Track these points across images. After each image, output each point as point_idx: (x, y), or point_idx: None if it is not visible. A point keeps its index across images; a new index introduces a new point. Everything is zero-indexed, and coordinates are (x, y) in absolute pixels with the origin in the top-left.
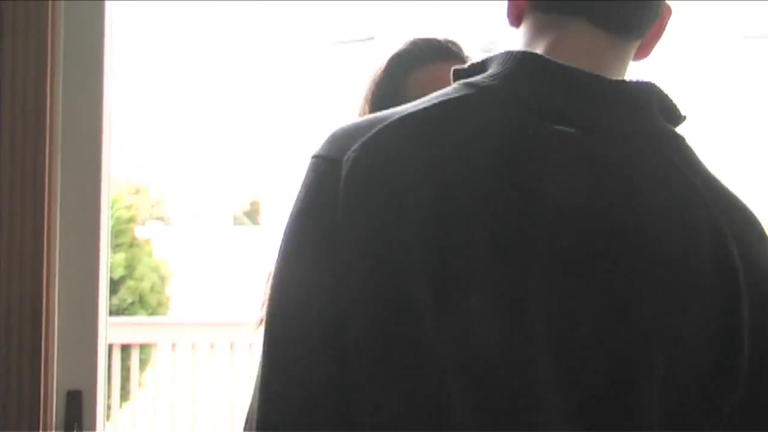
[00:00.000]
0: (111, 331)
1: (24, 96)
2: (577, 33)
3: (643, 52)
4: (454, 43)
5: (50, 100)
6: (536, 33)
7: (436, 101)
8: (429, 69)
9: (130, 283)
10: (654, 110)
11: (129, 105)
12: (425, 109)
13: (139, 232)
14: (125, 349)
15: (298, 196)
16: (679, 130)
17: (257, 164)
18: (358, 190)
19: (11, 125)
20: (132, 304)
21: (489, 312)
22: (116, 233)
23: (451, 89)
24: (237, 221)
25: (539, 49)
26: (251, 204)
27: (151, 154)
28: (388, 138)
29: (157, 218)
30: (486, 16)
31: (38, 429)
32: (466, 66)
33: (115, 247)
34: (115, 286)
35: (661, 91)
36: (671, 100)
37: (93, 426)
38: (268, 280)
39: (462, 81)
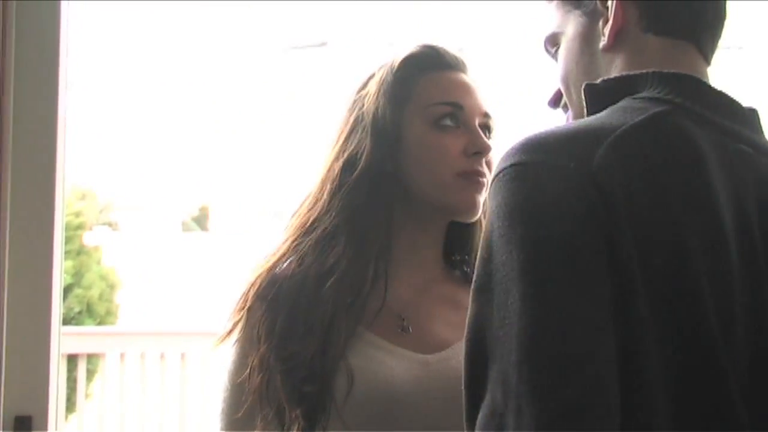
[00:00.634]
0: None
1: None
2: (691, 58)
3: None
4: (461, 56)
5: (1, 103)
6: (651, 54)
7: (645, 115)
8: (441, 75)
9: (78, 291)
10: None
11: (70, 106)
12: (644, 121)
13: (88, 238)
14: (72, 359)
15: (510, 201)
16: None
17: (206, 169)
18: (625, 194)
19: None
20: (79, 313)
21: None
22: (64, 240)
23: (636, 103)
24: (185, 227)
25: (679, 69)
26: (200, 209)
27: (95, 158)
28: (631, 145)
29: (105, 224)
30: (447, 22)
31: None
32: (599, 82)
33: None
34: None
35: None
36: None
37: None
38: (250, 287)
39: (638, 96)
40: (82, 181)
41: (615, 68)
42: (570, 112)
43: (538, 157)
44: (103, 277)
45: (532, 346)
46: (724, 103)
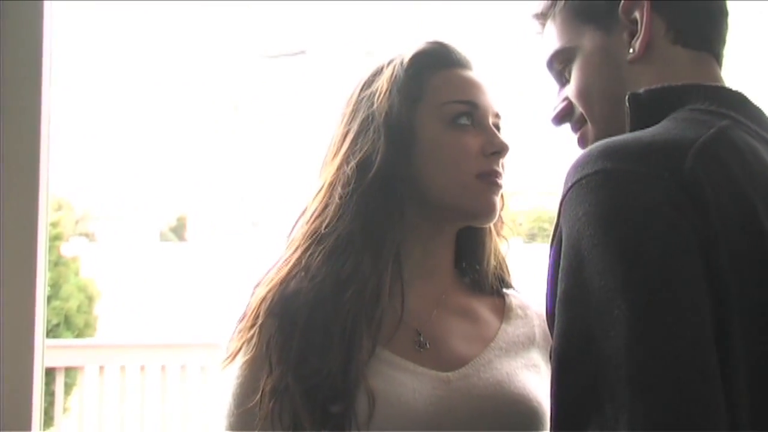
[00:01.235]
0: None
1: None
2: (716, 70)
3: None
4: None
5: None
6: (681, 65)
7: (714, 128)
8: (453, 73)
9: (56, 303)
10: None
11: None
12: (716, 135)
13: (65, 249)
14: (49, 373)
15: (601, 209)
16: None
17: (183, 178)
18: (716, 204)
19: None
20: (57, 325)
21: None
22: None
23: (696, 115)
24: (163, 237)
25: (707, 81)
26: (178, 219)
27: (71, 167)
28: (712, 157)
29: (82, 234)
30: (427, 30)
31: None
32: (643, 92)
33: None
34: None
35: None
36: None
37: None
38: (256, 286)
39: (694, 108)
40: (58, 190)
41: (645, 79)
42: (588, 127)
43: (626, 165)
44: (81, 289)
45: (646, 360)
46: (759, 115)
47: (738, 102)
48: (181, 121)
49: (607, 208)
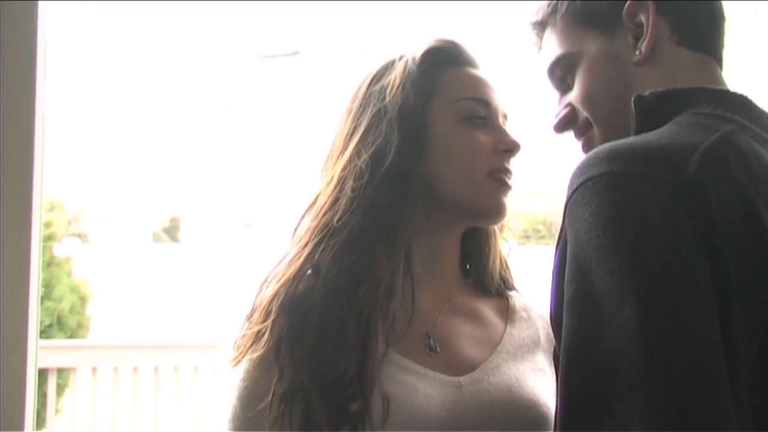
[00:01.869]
0: None
1: None
2: (718, 73)
3: None
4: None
5: None
6: (686, 67)
7: (718, 133)
8: (465, 71)
9: (48, 304)
10: None
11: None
12: (720, 139)
13: (57, 250)
14: (42, 373)
15: (608, 210)
16: None
17: (176, 179)
18: (720, 207)
19: None
20: (50, 326)
21: None
22: None
23: (700, 119)
24: (156, 238)
25: (711, 84)
26: (171, 220)
27: (63, 167)
28: (716, 161)
29: (75, 235)
30: (421, 31)
31: None
32: (648, 95)
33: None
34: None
35: None
36: None
37: None
38: (264, 282)
39: (699, 112)
40: (51, 191)
41: (651, 81)
42: (594, 132)
43: (631, 167)
44: (73, 289)
45: (659, 359)
46: (764, 118)
47: (742, 105)
48: (174, 122)
49: (614, 209)
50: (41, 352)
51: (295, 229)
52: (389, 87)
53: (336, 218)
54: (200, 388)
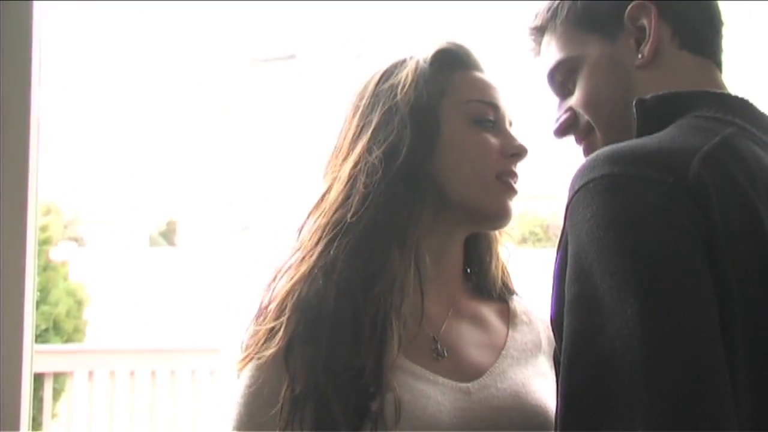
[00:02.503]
0: None
1: None
2: (719, 76)
3: None
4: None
5: None
6: (688, 71)
7: (718, 136)
8: (474, 74)
9: (44, 308)
10: None
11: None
12: (721, 142)
13: (54, 254)
14: (38, 378)
15: (609, 211)
16: None
17: (173, 182)
18: (720, 209)
19: None
20: (46, 330)
21: None
22: None
23: (701, 122)
24: (152, 242)
25: (712, 87)
26: (167, 224)
27: (59, 171)
28: (717, 164)
29: (71, 239)
30: (416, 34)
31: None
32: (649, 98)
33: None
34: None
35: None
36: None
37: None
38: (272, 282)
39: (700, 116)
40: (47, 195)
41: (653, 85)
42: (596, 136)
43: (632, 169)
44: (70, 293)
45: (662, 358)
46: (764, 121)
47: (743, 109)
48: (171, 125)
49: (616, 210)
50: (37, 357)
51: (301, 228)
52: (400, 85)
53: (349, 215)
54: (197, 392)
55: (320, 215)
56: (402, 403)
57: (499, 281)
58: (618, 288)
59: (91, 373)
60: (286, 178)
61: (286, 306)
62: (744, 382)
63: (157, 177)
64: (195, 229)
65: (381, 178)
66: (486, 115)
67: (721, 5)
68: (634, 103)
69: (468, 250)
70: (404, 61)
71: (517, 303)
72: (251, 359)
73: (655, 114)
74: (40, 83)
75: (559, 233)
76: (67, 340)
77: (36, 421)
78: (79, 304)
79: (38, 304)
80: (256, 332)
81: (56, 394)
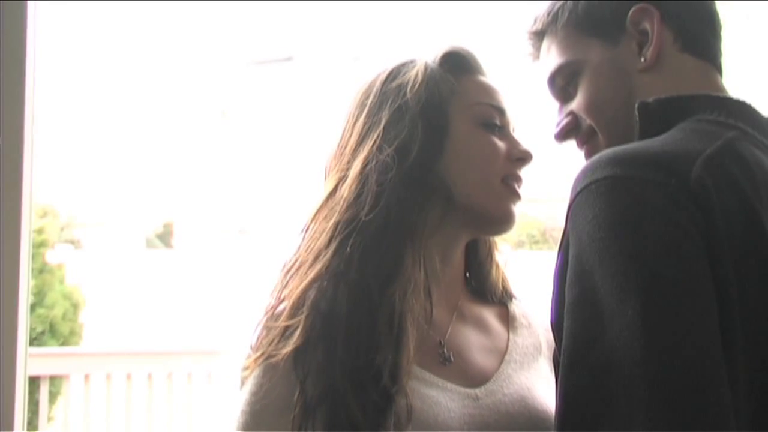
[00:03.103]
0: None
1: None
2: (719, 80)
3: None
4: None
5: None
6: (690, 74)
7: (721, 139)
8: (480, 78)
9: (41, 311)
10: None
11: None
12: (723, 145)
13: (50, 256)
14: (33, 381)
15: (611, 213)
16: None
17: (170, 184)
18: (722, 212)
19: None
20: (42, 333)
21: None
22: None
23: (703, 126)
24: (149, 244)
25: (713, 90)
26: (164, 226)
27: (56, 173)
28: (718, 167)
29: (68, 241)
30: (413, 37)
31: None
32: (652, 101)
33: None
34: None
35: None
36: None
37: None
38: (281, 281)
39: (702, 119)
40: (43, 197)
41: (656, 88)
42: (599, 139)
43: (634, 171)
44: (66, 296)
45: (662, 359)
46: (765, 125)
47: (744, 112)
48: (168, 128)
49: (618, 211)
50: (33, 360)
51: (306, 227)
52: (409, 84)
53: (364, 212)
54: (194, 395)
55: (330, 214)
56: (413, 409)
57: (500, 285)
58: (619, 289)
59: (87, 376)
60: (283, 180)
61: (302, 305)
62: (743, 384)
63: (153, 179)
64: (192, 232)
65: (394, 176)
66: (493, 118)
67: (718, 7)
68: (636, 106)
69: (468, 255)
70: (409, 62)
71: (516, 307)
72: (264, 358)
73: (658, 117)
74: (34, 84)
75: (556, 236)
76: (64, 343)
77: (32, 424)
78: (76, 306)
79: (34, 306)
80: (269, 331)
81: (52, 397)
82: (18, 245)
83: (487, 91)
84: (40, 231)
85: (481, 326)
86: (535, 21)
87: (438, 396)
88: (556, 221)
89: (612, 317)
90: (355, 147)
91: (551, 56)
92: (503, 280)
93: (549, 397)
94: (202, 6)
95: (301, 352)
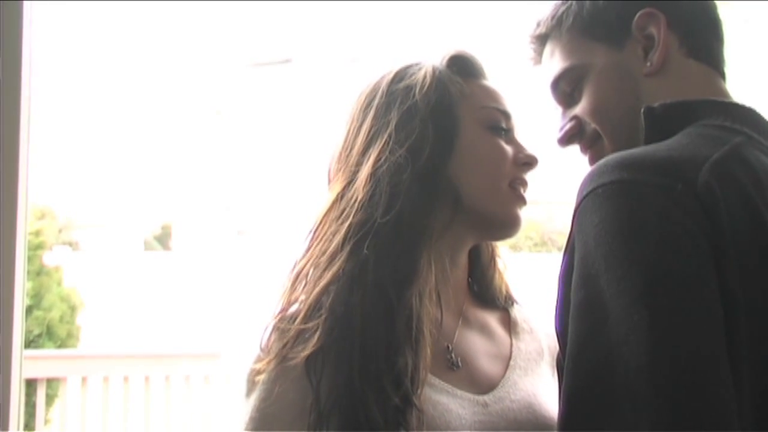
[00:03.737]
0: None
1: None
2: (723, 84)
3: None
4: None
5: None
6: (695, 79)
7: (728, 145)
8: (486, 83)
9: (38, 313)
10: None
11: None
12: (730, 151)
13: (47, 258)
14: (30, 384)
15: (618, 217)
16: None
17: (168, 187)
18: (728, 216)
19: None
20: (39, 335)
21: None
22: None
23: (709, 131)
24: (147, 245)
25: (719, 96)
26: (162, 228)
27: (54, 175)
28: (725, 172)
29: (66, 243)
30: (412, 39)
31: None
32: (658, 106)
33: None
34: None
35: None
36: None
37: None
38: (293, 284)
39: (708, 124)
40: (41, 199)
41: (661, 93)
42: (604, 144)
43: (641, 175)
44: (63, 299)
45: (668, 364)
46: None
47: (750, 118)
48: (166, 129)
49: (624, 215)
50: (30, 362)
51: (315, 229)
52: (418, 85)
53: (379, 214)
54: (191, 397)
55: (341, 216)
56: (425, 416)
57: (503, 290)
58: (625, 294)
59: (84, 379)
60: (281, 182)
61: (319, 308)
62: (748, 388)
63: (152, 181)
64: (190, 233)
65: (408, 177)
66: (500, 122)
67: (720, 13)
68: (642, 111)
69: (471, 260)
70: (414, 64)
71: (518, 312)
72: (279, 360)
73: (663, 122)
74: (30, 85)
75: (555, 239)
76: (61, 346)
77: (29, 427)
78: (73, 309)
79: (32, 309)
80: (282, 333)
81: (49, 399)
82: (14, 247)
83: (493, 95)
84: (37, 233)
85: (486, 331)
86: (538, 24)
87: (449, 403)
88: (555, 224)
89: (617, 321)
90: (364, 148)
91: (555, 60)
92: (505, 284)
93: (553, 403)
94: (201, 8)
95: (314, 356)
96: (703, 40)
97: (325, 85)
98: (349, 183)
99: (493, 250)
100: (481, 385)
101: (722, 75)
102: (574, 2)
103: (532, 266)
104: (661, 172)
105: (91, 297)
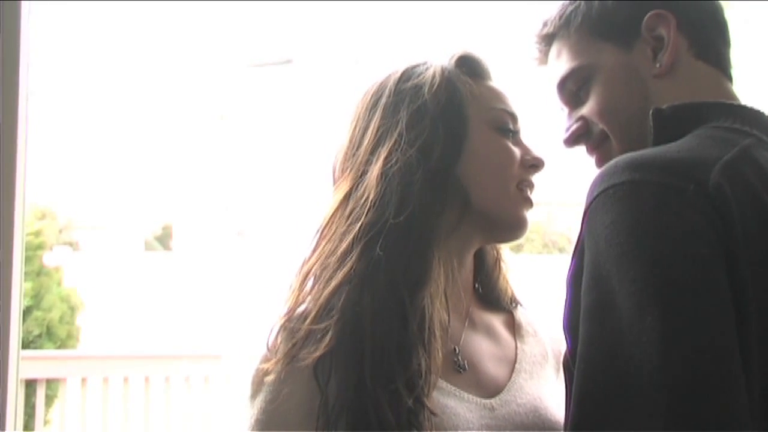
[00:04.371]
0: None
1: None
2: (731, 87)
3: None
4: None
5: None
6: (704, 81)
7: (737, 146)
8: (493, 84)
9: (38, 314)
10: None
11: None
12: (739, 152)
13: (47, 259)
14: (30, 384)
15: (630, 218)
16: None
17: (169, 187)
18: (740, 217)
19: None
20: (39, 336)
21: None
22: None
23: (719, 133)
24: (147, 246)
25: (727, 98)
26: (163, 228)
27: (55, 175)
28: (736, 174)
29: (66, 244)
30: (413, 40)
31: None
32: (666, 108)
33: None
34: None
35: None
36: None
37: None
38: (301, 284)
39: (718, 126)
40: (41, 199)
41: (670, 94)
42: (611, 145)
43: (652, 176)
44: (63, 299)
45: (680, 365)
46: None
47: (759, 120)
48: (166, 130)
49: (636, 216)
50: (30, 363)
51: (322, 228)
52: (427, 85)
53: (391, 214)
54: (191, 398)
55: (350, 215)
56: (433, 420)
57: (508, 293)
58: (638, 295)
59: (84, 380)
60: (282, 182)
61: (330, 308)
62: (758, 387)
63: (152, 181)
64: (191, 234)
65: (419, 177)
66: (508, 124)
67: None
68: (651, 112)
69: (476, 262)
70: (420, 63)
71: (522, 314)
72: (288, 361)
73: (672, 124)
74: (28, 85)
75: (555, 240)
76: (60, 346)
77: (28, 427)
78: (73, 309)
79: (31, 309)
80: (292, 334)
81: (49, 400)
82: (11, 247)
83: (501, 97)
84: (38, 233)
85: (491, 334)
86: (545, 24)
87: (456, 406)
88: (556, 225)
89: (630, 323)
90: (372, 147)
91: (562, 60)
92: (510, 287)
93: (557, 406)
94: (201, 9)
95: (323, 357)
96: (711, 43)
97: (327, 86)
98: (358, 182)
99: (498, 253)
100: (487, 388)
101: (729, 78)
102: (582, 2)
103: (533, 268)
104: (673, 173)
105: (91, 297)
